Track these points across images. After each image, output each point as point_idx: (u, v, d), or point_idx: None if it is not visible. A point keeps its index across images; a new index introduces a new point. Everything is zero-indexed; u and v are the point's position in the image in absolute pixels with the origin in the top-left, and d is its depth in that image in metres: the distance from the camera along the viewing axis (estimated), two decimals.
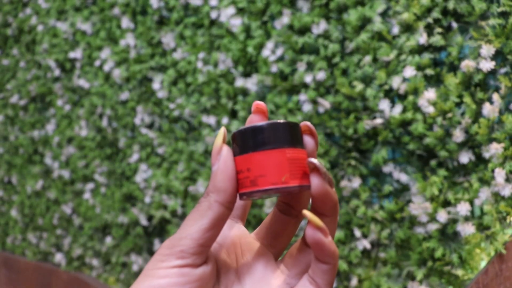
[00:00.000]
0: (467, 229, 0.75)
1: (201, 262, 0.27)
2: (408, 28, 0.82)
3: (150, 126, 1.21)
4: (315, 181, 0.27)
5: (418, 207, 0.79)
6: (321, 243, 0.26)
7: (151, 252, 1.24)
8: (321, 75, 0.89)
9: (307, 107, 0.91)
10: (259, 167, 0.27)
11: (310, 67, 0.92)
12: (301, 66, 0.92)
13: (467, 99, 0.75)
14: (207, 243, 0.27)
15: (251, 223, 1.01)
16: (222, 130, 0.28)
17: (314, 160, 0.27)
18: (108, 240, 1.30)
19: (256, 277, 0.30)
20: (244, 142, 0.27)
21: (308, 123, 0.29)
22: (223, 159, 0.27)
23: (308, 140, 0.28)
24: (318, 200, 0.27)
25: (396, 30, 0.83)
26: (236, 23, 1.01)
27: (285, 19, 0.94)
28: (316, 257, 0.27)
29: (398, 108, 0.82)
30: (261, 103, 0.29)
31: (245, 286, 0.30)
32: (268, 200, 0.96)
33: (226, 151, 0.27)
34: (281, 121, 0.27)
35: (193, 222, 0.27)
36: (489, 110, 0.73)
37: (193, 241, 0.27)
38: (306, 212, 0.27)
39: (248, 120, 0.30)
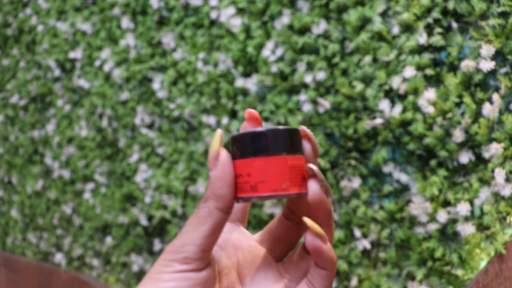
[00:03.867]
0: (467, 229, 0.75)
1: (204, 266, 0.28)
2: (408, 28, 0.82)
3: (150, 126, 1.21)
4: (312, 188, 0.27)
5: (418, 207, 0.79)
6: (320, 249, 0.27)
7: (151, 252, 1.24)
8: (321, 75, 0.89)
9: (307, 107, 0.91)
10: (260, 173, 0.27)
11: (310, 67, 0.92)
12: (301, 66, 0.92)
13: (467, 99, 0.75)
14: (208, 248, 0.28)
15: (251, 223, 1.01)
16: (218, 134, 0.28)
17: (313, 167, 0.27)
18: (108, 240, 1.30)
19: (257, 280, 0.30)
20: (245, 146, 0.27)
21: (305, 128, 0.29)
22: (221, 165, 0.27)
23: (305, 145, 0.29)
24: (313, 207, 0.28)
25: (396, 30, 0.83)
26: (236, 23, 1.01)
27: (285, 19, 0.94)
28: (315, 263, 0.28)
29: (398, 108, 0.82)
30: (253, 110, 0.30)
31: None
32: (268, 201, 0.96)
33: (225, 156, 0.27)
34: (282, 127, 0.27)
35: (194, 228, 0.27)
36: (489, 110, 0.73)
37: (195, 248, 0.27)
38: (306, 219, 0.27)
39: (242, 127, 0.30)
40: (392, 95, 0.85)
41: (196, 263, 0.27)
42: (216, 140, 0.27)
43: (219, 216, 0.27)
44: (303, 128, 0.28)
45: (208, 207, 0.27)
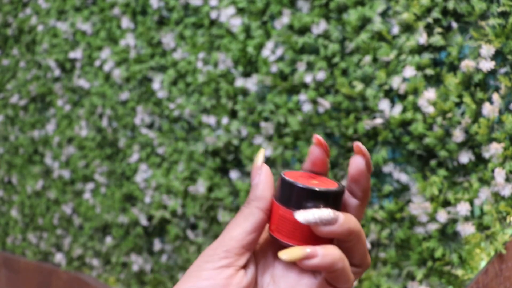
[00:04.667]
0: (467, 229, 0.75)
1: (243, 264, 0.30)
2: (408, 28, 0.82)
3: (150, 126, 1.21)
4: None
5: (418, 207, 0.79)
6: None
7: (151, 252, 1.24)
8: (321, 75, 0.89)
9: (307, 107, 0.91)
10: (290, 226, 0.29)
11: (310, 67, 0.92)
12: (301, 66, 0.92)
13: (467, 99, 0.75)
14: (249, 246, 0.30)
15: None
16: (262, 151, 0.32)
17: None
18: (108, 240, 1.30)
19: (290, 281, 0.31)
20: (289, 195, 0.30)
21: (359, 144, 0.30)
22: (264, 174, 0.31)
23: (359, 160, 0.30)
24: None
25: (396, 30, 0.83)
26: (236, 23, 1.01)
27: (285, 19, 0.94)
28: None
29: (398, 108, 0.82)
30: (320, 138, 0.32)
31: None
32: None
33: (266, 170, 0.31)
34: (332, 189, 0.29)
35: (237, 226, 0.30)
36: (489, 110, 0.73)
37: (237, 242, 0.29)
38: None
39: (310, 151, 0.32)
40: (392, 95, 0.85)
41: (235, 258, 0.29)
42: (259, 157, 0.32)
43: (260, 215, 0.30)
44: (358, 144, 0.30)
45: (250, 207, 0.30)
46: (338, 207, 0.29)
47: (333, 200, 0.29)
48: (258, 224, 0.30)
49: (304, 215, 0.28)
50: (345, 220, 0.28)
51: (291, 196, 0.29)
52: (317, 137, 0.31)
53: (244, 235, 0.29)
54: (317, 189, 0.28)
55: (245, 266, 0.30)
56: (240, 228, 0.30)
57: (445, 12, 0.79)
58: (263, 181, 0.31)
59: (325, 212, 0.27)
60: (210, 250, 0.29)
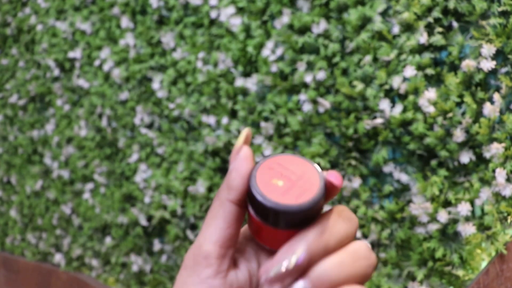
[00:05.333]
0: (467, 229, 0.75)
1: (227, 266, 0.26)
2: (408, 28, 0.81)
3: (150, 126, 1.21)
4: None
5: (419, 207, 0.79)
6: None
7: (150, 253, 1.23)
8: (321, 75, 0.89)
9: (307, 107, 0.91)
10: (268, 234, 0.27)
11: (310, 66, 0.92)
12: (301, 66, 0.92)
13: (467, 98, 0.75)
14: (227, 244, 0.26)
15: None
16: (245, 131, 0.28)
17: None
18: (108, 240, 1.30)
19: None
20: (261, 209, 0.26)
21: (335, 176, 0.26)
22: (240, 159, 0.26)
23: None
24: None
25: (396, 29, 0.82)
26: (236, 23, 1.00)
27: (285, 18, 0.94)
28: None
29: (399, 108, 0.82)
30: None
31: None
32: None
33: (245, 152, 0.27)
34: (308, 204, 0.25)
35: (207, 225, 0.26)
36: (490, 109, 0.73)
37: (213, 244, 0.26)
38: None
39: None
40: (392, 95, 0.84)
41: (218, 262, 0.26)
42: (241, 137, 0.28)
43: (230, 207, 0.26)
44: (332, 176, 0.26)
45: (219, 199, 0.27)
46: (317, 214, 0.26)
47: (310, 213, 0.25)
48: (231, 218, 0.26)
49: (275, 271, 0.24)
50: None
51: (263, 210, 0.25)
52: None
53: (219, 233, 0.26)
54: (291, 208, 0.24)
55: (234, 264, 0.27)
56: (212, 227, 0.26)
57: (445, 11, 0.79)
58: (237, 168, 0.26)
59: (292, 262, 0.24)
60: (190, 261, 0.26)
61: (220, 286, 0.25)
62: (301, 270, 0.24)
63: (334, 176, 0.26)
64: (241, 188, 0.26)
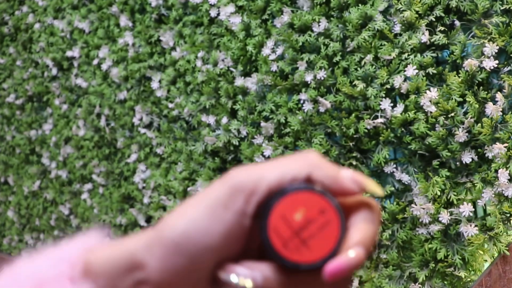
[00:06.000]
0: (470, 230, 0.74)
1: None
2: (410, 27, 0.81)
3: (149, 125, 1.20)
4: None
5: (420, 207, 0.78)
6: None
7: None
8: (321, 74, 0.88)
9: (307, 107, 0.90)
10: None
11: (310, 66, 0.91)
12: (302, 65, 0.91)
13: (470, 98, 0.74)
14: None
15: None
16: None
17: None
18: None
19: None
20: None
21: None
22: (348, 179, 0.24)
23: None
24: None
25: (397, 28, 0.82)
26: (236, 21, 1.00)
27: (286, 17, 0.93)
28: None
29: (400, 107, 0.81)
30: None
31: None
32: None
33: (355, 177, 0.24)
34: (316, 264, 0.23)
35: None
36: (492, 109, 0.72)
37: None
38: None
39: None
40: (393, 95, 0.84)
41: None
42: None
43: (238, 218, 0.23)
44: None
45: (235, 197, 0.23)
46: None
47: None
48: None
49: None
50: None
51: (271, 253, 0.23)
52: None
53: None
54: (300, 267, 0.22)
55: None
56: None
57: (447, 10, 0.79)
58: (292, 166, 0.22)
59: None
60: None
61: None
62: None
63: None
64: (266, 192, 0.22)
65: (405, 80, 0.81)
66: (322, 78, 0.88)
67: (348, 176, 0.23)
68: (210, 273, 0.22)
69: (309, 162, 0.23)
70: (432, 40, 0.78)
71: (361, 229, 0.23)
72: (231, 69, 1.02)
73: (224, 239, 0.22)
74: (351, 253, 0.21)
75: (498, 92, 0.72)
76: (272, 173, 0.22)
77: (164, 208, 1.16)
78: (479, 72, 0.74)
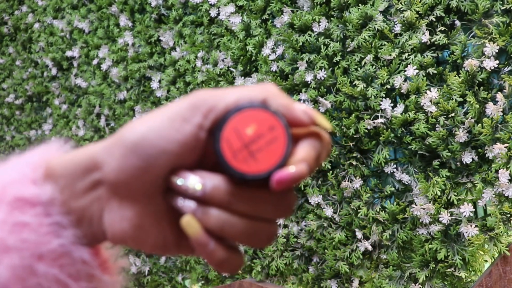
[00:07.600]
0: (470, 231, 0.74)
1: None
2: (410, 27, 0.81)
3: None
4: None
5: (420, 208, 0.78)
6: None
7: (149, 254, 1.22)
8: (322, 74, 0.88)
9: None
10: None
11: (310, 66, 0.91)
12: (302, 65, 0.91)
13: (470, 98, 0.74)
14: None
15: None
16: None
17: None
18: None
19: None
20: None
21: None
22: (301, 109, 0.25)
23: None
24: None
25: (398, 28, 0.81)
26: (236, 21, 0.99)
27: (286, 17, 0.93)
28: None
29: (400, 107, 0.81)
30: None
31: None
32: None
33: (309, 111, 0.25)
34: (263, 174, 0.25)
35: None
36: (493, 109, 0.72)
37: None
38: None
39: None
40: (394, 95, 0.84)
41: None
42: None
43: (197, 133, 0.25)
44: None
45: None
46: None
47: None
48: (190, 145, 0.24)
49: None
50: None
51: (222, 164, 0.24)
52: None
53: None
54: (246, 176, 0.24)
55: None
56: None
57: (448, 10, 0.78)
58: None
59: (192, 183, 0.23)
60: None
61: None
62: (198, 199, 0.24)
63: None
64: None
65: (405, 80, 0.81)
66: (322, 78, 0.88)
67: (300, 108, 0.25)
68: (164, 180, 0.24)
69: (266, 90, 0.25)
70: (432, 40, 0.78)
71: (306, 149, 0.25)
72: (231, 69, 1.02)
73: (180, 147, 0.24)
74: (294, 167, 0.24)
75: (499, 92, 0.72)
76: (231, 95, 0.25)
77: None
78: (480, 72, 0.74)
